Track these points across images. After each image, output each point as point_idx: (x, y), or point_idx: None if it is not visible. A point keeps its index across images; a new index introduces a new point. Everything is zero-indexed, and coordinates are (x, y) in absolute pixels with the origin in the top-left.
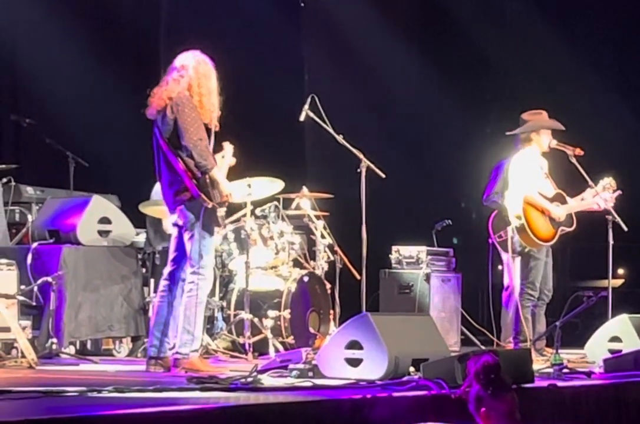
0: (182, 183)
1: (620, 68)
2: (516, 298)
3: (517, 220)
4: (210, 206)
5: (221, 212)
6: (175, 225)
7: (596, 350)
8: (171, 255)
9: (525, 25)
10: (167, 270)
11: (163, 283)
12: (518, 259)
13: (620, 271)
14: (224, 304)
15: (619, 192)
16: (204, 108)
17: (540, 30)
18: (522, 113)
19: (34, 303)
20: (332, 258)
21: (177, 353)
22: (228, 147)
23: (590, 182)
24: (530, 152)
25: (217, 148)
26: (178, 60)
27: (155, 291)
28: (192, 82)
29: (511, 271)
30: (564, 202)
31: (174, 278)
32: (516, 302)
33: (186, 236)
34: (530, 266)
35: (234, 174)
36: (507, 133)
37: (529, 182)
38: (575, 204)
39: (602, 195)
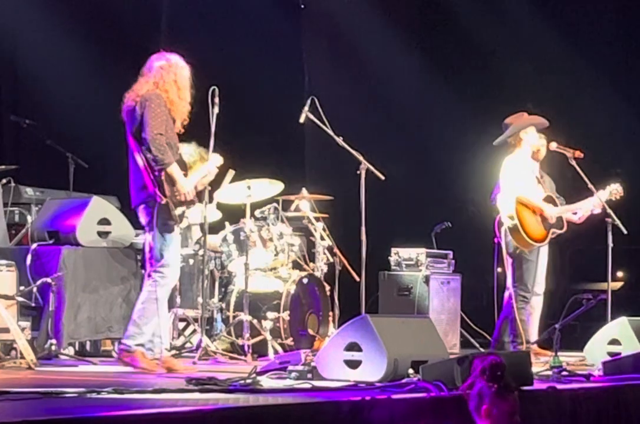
0: (143, 179)
1: (622, 66)
2: (510, 300)
3: (510, 220)
4: (164, 202)
5: (179, 209)
6: (141, 223)
7: (595, 352)
8: (147, 255)
9: (526, 24)
10: (150, 270)
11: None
12: (511, 261)
13: (620, 274)
14: (223, 305)
15: (606, 197)
16: (174, 105)
17: (541, 29)
18: (503, 120)
19: (33, 304)
20: (331, 259)
21: (121, 343)
22: (215, 158)
23: (589, 185)
24: (522, 153)
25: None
26: (150, 60)
27: None
28: (165, 78)
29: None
30: (554, 205)
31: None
32: (512, 304)
33: (149, 236)
34: (522, 268)
35: (234, 176)
36: (495, 143)
37: (521, 182)
38: (568, 206)
39: (592, 200)
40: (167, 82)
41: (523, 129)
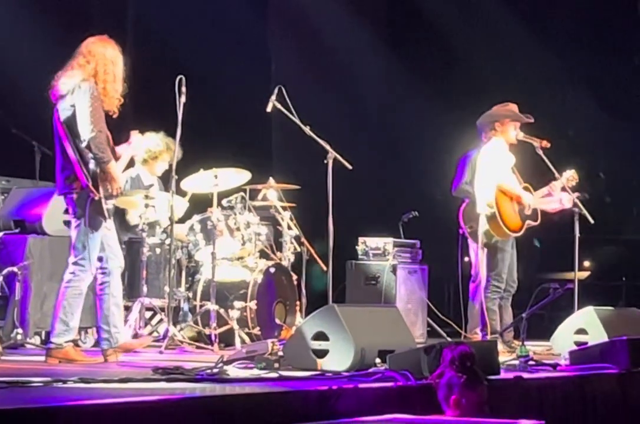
0: (73, 171)
1: (588, 61)
2: (482, 289)
3: (489, 208)
4: (97, 198)
5: (109, 204)
6: (66, 212)
7: (562, 342)
8: (72, 243)
9: (494, 19)
10: (70, 261)
11: (97, 276)
12: (485, 251)
13: (586, 263)
14: (190, 295)
15: (577, 194)
16: (107, 96)
17: (509, 24)
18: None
19: None
20: (298, 249)
21: (50, 342)
22: (135, 137)
23: (556, 174)
24: (498, 142)
25: (124, 136)
26: (85, 45)
27: None
28: (99, 68)
29: (479, 263)
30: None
31: (105, 270)
32: (482, 294)
33: (73, 225)
34: (496, 258)
35: (200, 165)
36: (477, 122)
37: (501, 170)
38: (539, 200)
39: (562, 195)
40: (107, 73)
41: (499, 121)
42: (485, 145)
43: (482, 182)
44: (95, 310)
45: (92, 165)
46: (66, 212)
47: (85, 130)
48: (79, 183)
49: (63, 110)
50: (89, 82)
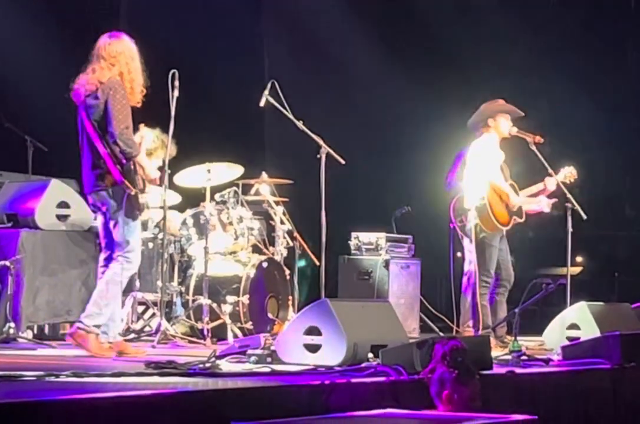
0: (106, 167)
1: (579, 56)
2: (473, 284)
3: (481, 200)
4: (133, 193)
5: (143, 197)
6: (95, 208)
7: (554, 337)
8: (102, 241)
9: (487, 15)
10: (102, 257)
11: (101, 269)
12: (474, 246)
13: (579, 259)
14: (183, 289)
15: (555, 200)
16: (133, 93)
17: (501, 20)
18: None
19: None
20: (291, 244)
21: (79, 321)
22: (144, 130)
23: (550, 170)
24: (490, 138)
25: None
26: (103, 48)
27: None
28: (123, 69)
29: (470, 257)
30: (516, 194)
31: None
32: (473, 289)
33: (111, 223)
34: (485, 254)
35: (194, 159)
36: (468, 123)
37: (492, 166)
38: (523, 200)
39: (541, 198)
40: (131, 72)
41: (491, 116)
42: (475, 141)
43: (473, 176)
44: None
45: (124, 160)
46: (94, 210)
47: (115, 127)
48: (112, 179)
49: (92, 108)
50: (117, 80)
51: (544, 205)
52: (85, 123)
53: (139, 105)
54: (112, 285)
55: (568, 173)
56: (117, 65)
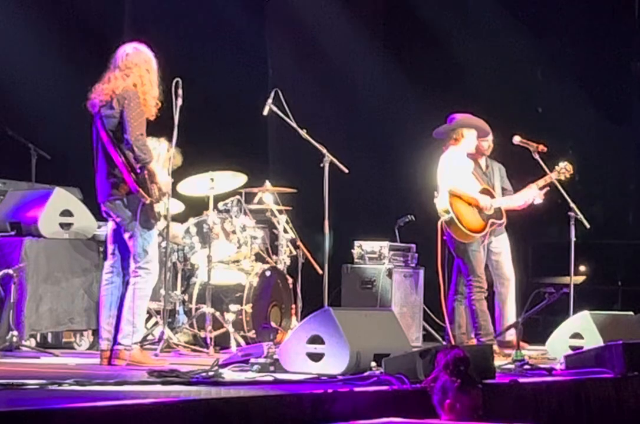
0: (121, 176)
1: (582, 61)
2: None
3: (446, 214)
4: (148, 202)
5: (158, 207)
6: (108, 216)
7: (557, 346)
8: (110, 247)
9: (490, 22)
10: (108, 263)
11: (106, 276)
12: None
13: (582, 268)
14: (186, 298)
15: (546, 189)
16: (147, 105)
17: (504, 26)
18: (449, 115)
19: None
20: (294, 252)
21: (119, 343)
22: (161, 141)
23: (547, 171)
24: (457, 150)
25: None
26: (121, 58)
27: None
28: (136, 80)
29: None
30: (492, 197)
31: (116, 271)
32: (471, 298)
33: (126, 235)
34: (470, 260)
35: (197, 167)
36: (434, 133)
37: (454, 177)
38: (503, 199)
39: (530, 192)
40: (145, 84)
41: (468, 127)
42: (442, 156)
43: (439, 191)
44: (97, 311)
45: (138, 170)
46: (106, 218)
47: (130, 133)
48: (127, 188)
49: (108, 118)
50: (132, 89)
51: (533, 195)
52: (100, 132)
53: (152, 118)
54: (138, 300)
55: (562, 169)
56: (132, 76)
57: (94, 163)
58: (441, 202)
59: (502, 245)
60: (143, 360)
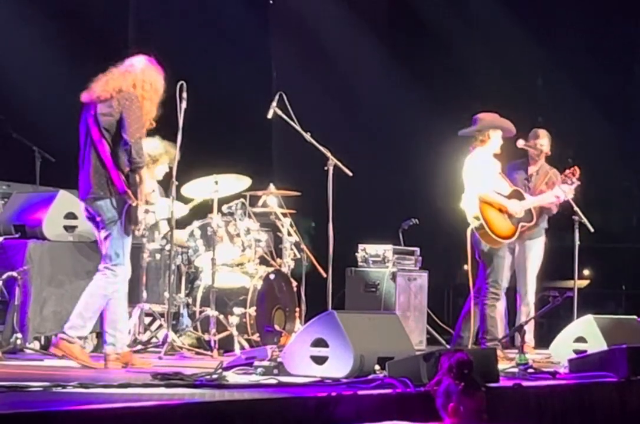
0: (109, 176)
1: (586, 62)
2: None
3: (476, 220)
4: (134, 204)
5: (140, 211)
6: (90, 215)
7: (561, 350)
8: (103, 251)
9: (493, 22)
10: (102, 266)
11: None
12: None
13: (586, 272)
14: (190, 301)
15: (577, 183)
16: (144, 110)
17: (507, 27)
18: (475, 115)
19: None
20: (298, 255)
21: (63, 332)
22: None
23: (560, 184)
24: (484, 151)
25: None
26: (129, 59)
27: None
28: (137, 81)
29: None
30: (521, 199)
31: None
32: (483, 302)
33: (102, 233)
34: (493, 265)
35: (201, 170)
36: (460, 133)
37: (484, 181)
38: (534, 199)
39: (561, 187)
40: (145, 89)
41: (494, 128)
42: (468, 157)
43: (467, 194)
44: (101, 314)
45: (127, 171)
46: (90, 219)
47: (130, 135)
48: (114, 188)
49: (104, 116)
50: (132, 90)
51: (562, 192)
52: (91, 129)
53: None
54: (97, 298)
55: (568, 172)
56: (133, 74)
57: (78, 157)
58: (471, 208)
59: (533, 249)
60: (79, 357)
